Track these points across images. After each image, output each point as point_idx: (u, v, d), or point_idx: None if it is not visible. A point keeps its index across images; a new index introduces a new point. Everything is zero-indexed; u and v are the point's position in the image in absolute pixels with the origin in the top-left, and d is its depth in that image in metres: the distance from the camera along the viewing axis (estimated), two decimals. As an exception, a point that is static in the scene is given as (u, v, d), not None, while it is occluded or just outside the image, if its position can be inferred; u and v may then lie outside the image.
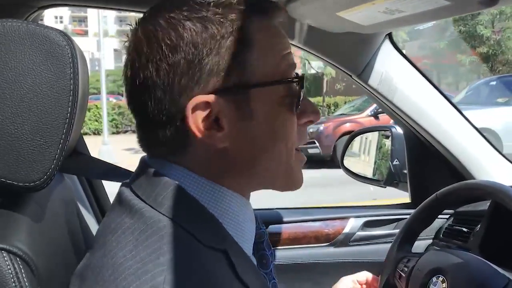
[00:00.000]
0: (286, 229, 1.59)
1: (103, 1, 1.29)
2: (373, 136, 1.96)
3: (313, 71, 19.04)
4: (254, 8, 0.68)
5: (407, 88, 1.51)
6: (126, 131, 19.56)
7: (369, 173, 1.92)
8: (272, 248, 1.54)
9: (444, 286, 1.04)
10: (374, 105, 10.93)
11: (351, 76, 1.49)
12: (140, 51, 0.66)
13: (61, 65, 0.71)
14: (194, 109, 0.64)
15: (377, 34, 1.43)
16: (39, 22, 1.37)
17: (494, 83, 10.42)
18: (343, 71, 1.50)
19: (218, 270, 0.62)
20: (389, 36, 1.47)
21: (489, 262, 1.06)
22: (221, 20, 0.65)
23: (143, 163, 0.72)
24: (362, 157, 2.00)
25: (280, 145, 0.70)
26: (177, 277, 0.57)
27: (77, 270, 0.67)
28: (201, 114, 0.65)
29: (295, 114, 0.71)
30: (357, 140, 1.98)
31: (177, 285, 0.56)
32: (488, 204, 1.32)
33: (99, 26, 15.21)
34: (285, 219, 1.60)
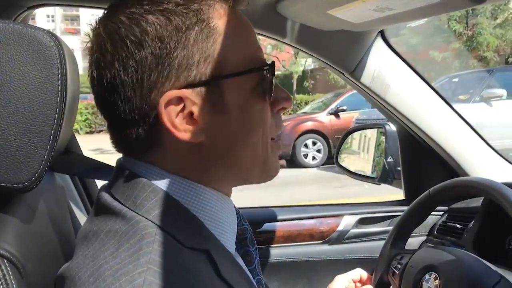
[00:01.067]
0: (281, 227, 1.59)
1: (92, 1, 1.28)
2: (372, 134, 1.96)
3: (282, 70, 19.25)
4: None
5: (400, 85, 1.51)
6: (100, 131, 19.15)
7: (368, 171, 1.92)
8: (267, 246, 1.55)
9: (436, 283, 1.05)
10: (336, 103, 10.90)
11: (343, 74, 1.49)
12: (104, 50, 0.64)
13: (48, 65, 0.70)
14: (167, 105, 0.64)
15: (369, 32, 1.43)
16: (30, 21, 1.36)
17: (456, 80, 10.50)
18: (336, 69, 1.49)
19: (199, 270, 0.62)
20: (382, 33, 1.46)
21: (481, 259, 1.06)
22: (184, 11, 0.64)
23: (119, 166, 0.71)
24: (362, 154, 2.01)
25: (255, 135, 0.69)
26: (157, 278, 0.57)
27: (59, 272, 0.67)
28: (174, 110, 0.64)
29: (268, 102, 0.70)
30: (356, 138, 1.99)
31: (157, 287, 0.56)
32: (481, 200, 1.33)
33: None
34: (279, 217, 1.60)
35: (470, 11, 16.78)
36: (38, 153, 0.70)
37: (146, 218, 0.63)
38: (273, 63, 0.70)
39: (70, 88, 0.75)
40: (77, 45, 0.79)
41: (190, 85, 0.64)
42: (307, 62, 21.23)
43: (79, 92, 0.87)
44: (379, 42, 1.47)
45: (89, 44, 0.68)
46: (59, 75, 0.71)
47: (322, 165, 10.07)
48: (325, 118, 10.66)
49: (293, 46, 1.45)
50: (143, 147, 0.67)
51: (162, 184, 0.67)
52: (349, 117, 10.07)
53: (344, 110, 10.66)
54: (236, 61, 0.67)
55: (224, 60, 0.65)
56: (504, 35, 16.79)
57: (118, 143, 0.71)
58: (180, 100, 0.64)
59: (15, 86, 0.69)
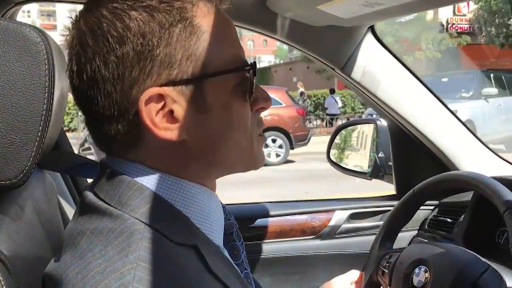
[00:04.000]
0: (273, 222, 1.60)
1: None
2: (369, 130, 1.97)
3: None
4: None
5: (390, 80, 1.52)
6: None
7: (359, 166, 1.92)
8: (259, 241, 1.56)
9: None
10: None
11: (334, 69, 1.49)
12: (85, 44, 0.63)
13: (35, 61, 0.70)
14: (147, 102, 0.63)
15: (359, 27, 1.43)
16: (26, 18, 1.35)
17: (446, 79, 10.76)
18: (326, 64, 1.49)
19: (188, 265, 0.62)
20: (372, 29, 1.46)
21: (470, 251, 1.07)
22: (167, 8, 0.63)
23: (102, 164, 0.71)
24: (354, 150, 2.01)
25: (238, 133, 0.70)
26: (147, 275, 0.57)
27: (46, 271, 0.67)
28: (155, 107, 0.64)
29: (249, 102, 0.70)
30: (355, 133, 1.99)
31: (147, 283, 0.56)
32: (472, 195, 1.34)
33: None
34: (271, 213, 1.60)
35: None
36: (26, 150, 0.70)
37: (133, 216, 0.63)
38: (254, 64, 0.70)
39: (58, 84, 0.74)
40: (56, 40, 0.77)
41: (172, 83, 0.64)
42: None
43: (67, 88, 0.87)
44: (370, 37, 1.47)
45: (68, 38, 0.67)
46: (46, 71, 0.71)
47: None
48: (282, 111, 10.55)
49: (283, 41, 1.45)
50: (121, 143, 0.67)
51: (146, 182, 0.66)
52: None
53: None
54: (218, 60, 0.67)
55: (207, 59, 0.65)
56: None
57: (99, 141, 0.70)
58: (161, 97, 0.64)
59: (2, 82, 0.68)
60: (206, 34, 0.65)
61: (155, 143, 0.66)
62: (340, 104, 18.17)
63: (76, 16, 0.67)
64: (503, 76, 12.95)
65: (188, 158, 0.68)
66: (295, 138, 10.48)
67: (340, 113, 18.09)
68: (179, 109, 0.65)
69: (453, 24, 24.65)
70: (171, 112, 0.65)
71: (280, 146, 10.34)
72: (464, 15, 24.38)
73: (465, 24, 24.68)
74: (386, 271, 1.18)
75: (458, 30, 24.24)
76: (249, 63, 0.70)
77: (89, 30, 0.63)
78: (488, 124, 9.89)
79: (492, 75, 12.57)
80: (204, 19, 0.66)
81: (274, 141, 10.30)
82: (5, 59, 0.69)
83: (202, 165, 0.70)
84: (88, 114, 0.68)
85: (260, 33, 1.42)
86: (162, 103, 0.64)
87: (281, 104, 10.57)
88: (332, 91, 18.11)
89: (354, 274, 1.23)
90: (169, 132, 0.65)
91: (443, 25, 24.26)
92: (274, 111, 10.32)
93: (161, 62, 0.63)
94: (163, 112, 0.64)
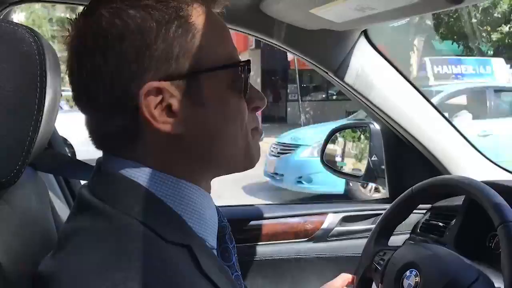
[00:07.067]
0: (266, 225, 1.60)
1: None
2: (362, 133, 1.97)
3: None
4: None
5: (383, 84, 1.52)
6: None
7: (358, 169, 1.93)
8: (252, 243, 1.56)
9: (417, 279, 1.06)
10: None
11: (327, 73, 1.50)
12: (86, 42, 0.66)
13: (27, 62, 0.70)
14: (146, 96, 0.65)
15: (352, 31, 1.43)
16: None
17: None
18: (319, 67, 1.50)
19: (181, 265, 0.62)
20: (365, 33, 1.47)
21: (462, 257, 1.08)
22: (164, 7, 0.66)
23: (99, 163, 0.72)
24: (347, 153, 2.01)
25: (234, 127, 0.71)
26: (139, 274, 0.57)
27: (39, 269, 0.67)
28: (154, 101, 0.65)
29: (244, 99, 0.72)
30: (348, 136, 2.00)
31: (139, 282, 0.56)
32: (463, 199, 1.34)
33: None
34: (264, 215, 1.60)
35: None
36: (17, 149, 0.70)
37: (127, 215, 0.64)
38: (248, 61, 0.72)
39: (51, 85, 0.75)
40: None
41: (169, 77, 0.66)
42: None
43: (61, 89, 0.87)
44: (363, 42, 1.48)
45: (68, 39, 0.69)
46: (38, 72, 0.71)
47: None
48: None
49: (276, 45, 1.46)
50: (120, 139, 0.68)
51: (142, 180, 0.67)
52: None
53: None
54: (213, 57, 0.69)
55: (202, 55, 0.67)
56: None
57: (97, 140, 0.71)
58: (159, 91, 0.65)
59: None
60: (201, 32, 0.68)
61: (154, 138, 0.67)
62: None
63: (76, 17, 0.69)
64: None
65: (185, 154, 0.69)
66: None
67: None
68: (177, 103, 0.66)
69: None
70: (169, 106, 0.66)
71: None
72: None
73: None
74: (379, 268, 1.18)
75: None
76: (243, 61, 0.72)
77: (90, 29, 0.66)
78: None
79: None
80: (199, 19, 0.68)
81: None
82: None
83: (198, 161, 0.71)
84: (89, 111, 0.70)
85: (254, 35, 1.43)
86: (160, 97, 0.66)
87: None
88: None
89: (345, 278, 1.24)
90: (167, 125, 0.66)
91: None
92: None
93: (158, 58, 0.65)
94: (161, 106, 0.66)
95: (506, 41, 15.16)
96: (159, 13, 0.65)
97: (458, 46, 15.88)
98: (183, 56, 0.66)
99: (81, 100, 0.69)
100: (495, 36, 15.12)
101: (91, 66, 0.65)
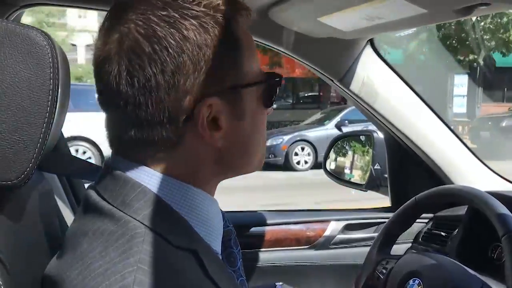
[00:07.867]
0: (268, 231, 1.60)
1: (84, 1, 1.28)
2: (366, 142, 1.97)
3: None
4: (235, 9, 0.69)
5: (388, 93, 1.53)
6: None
7: (355, 177, 1.93)
8: (254, 250, 1.56)
9: None
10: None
11: (332, 80, 1.51)
12: (141, 51, 0.63)
13: (40, 64, 0.71)
14: (199, 110, 0.66)
15: (358, 40, 1.44)
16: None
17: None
18: (325, 75, 1.51)
19: (188, 269, 0.63)
20: (371, 42, 1.48)
21: (464, 266, 1.08)
22: (213, 21, 0.66)
23: (108, 165, 0.71)
24: (350, 161, 2.01)
25: (261, 137, 0.75)
26: (147, 278, 0.58)
27: (47, 271, 0.67)
28: (205, 115, 0.66)
29: (266, 109, 0.75)
30: (351, 145, 1.99)
31: (147, 286, 0.57)
32: (466, 209, 1.35)
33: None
34: (267, 222, 1.60)
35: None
36: (28, 151, 0.71)
37: (135, 219, 0.64)
38: (281, 75, 0.76)
39: (62, 88, 0.75)
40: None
41: (219, 93, 0.67)
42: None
43: (69, 91, 0.87)
44: (369, 50, 1.49)
45: (110, 42, 0.65)
46: (51, 74, 0.71)
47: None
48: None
49: (283, 52, 1.46)
50: (151, 149, 0.67)
51: (151, 185, 0.67)
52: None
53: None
54: (252, 71, 0.71)
55: (245, 70, 0.70)
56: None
57: (119, 144, 0.70)
58: (209, 106, 0.66)
59: (7, 84, 0.69)
60: (243, 47, 0.70)
61: (192, 149, 0.68)
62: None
63: (107, 20, 0.67)
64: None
65: (215, 164, 0.71)
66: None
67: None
68: (223, 118, 0.68)
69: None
70: (215, 119, 0.67)
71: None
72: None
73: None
74: (382, 277, 1.19)
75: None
76: (278, 74, 0.75)
77: (143, 37, 0.63)
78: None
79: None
80: (243, 34, 0.70)
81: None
82: (11, 61, 0.69)
83: (223, 170, 0.73)
84: (129, 118, 0.66)
85: (261, 42, 1.44)
86: (209, 111, 0.67)
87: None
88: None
89: None
90: (213, 139, 0.68)
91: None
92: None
93: (211, 72, 0.65)
94: (208, 120, 0.67)
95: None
96: (210, 28, 0.65)
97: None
98: (230, 71, 0.68)
99: (123, 107, 0.66)
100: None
101: (145, 76, 0.63)
